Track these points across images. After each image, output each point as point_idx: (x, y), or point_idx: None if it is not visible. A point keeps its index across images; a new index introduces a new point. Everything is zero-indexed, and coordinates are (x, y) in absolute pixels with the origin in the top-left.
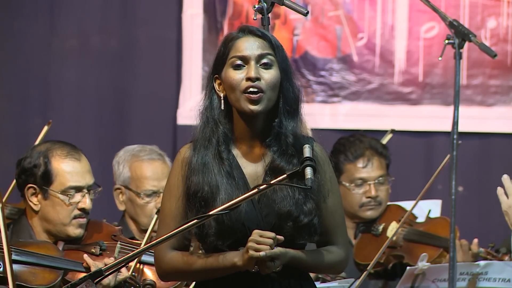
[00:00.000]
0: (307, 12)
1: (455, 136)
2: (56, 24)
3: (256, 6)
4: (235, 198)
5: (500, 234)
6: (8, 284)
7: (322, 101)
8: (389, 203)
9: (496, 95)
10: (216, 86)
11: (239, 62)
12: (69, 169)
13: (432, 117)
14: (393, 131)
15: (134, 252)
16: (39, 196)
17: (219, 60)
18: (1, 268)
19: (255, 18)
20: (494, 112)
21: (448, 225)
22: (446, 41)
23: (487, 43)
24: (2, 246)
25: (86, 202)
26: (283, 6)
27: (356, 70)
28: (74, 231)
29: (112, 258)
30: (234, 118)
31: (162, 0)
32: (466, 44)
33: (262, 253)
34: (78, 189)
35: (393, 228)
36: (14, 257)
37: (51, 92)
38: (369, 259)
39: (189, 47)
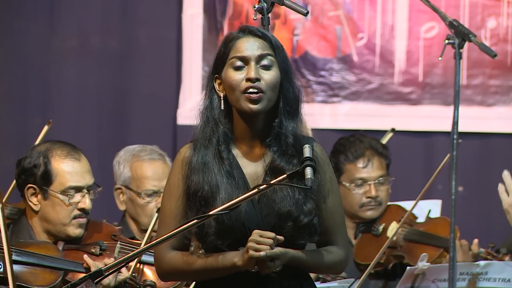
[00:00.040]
0: (307, 12)
1: (455, 136)
2: (56, 24)
3: (256, 6)
4: (235, 198)
5: (500, 234)
6: (8, 285)
7: (322, 101)
8: (389, 203)
9: (496, 95)
10: (216, 86)
11: (239, 62)
12: (69, 169)
13: (432, 117)
14: (393, 130)
15: (134, 252)
16: (39, 196)
17: (219, 60)
18: (1, 269)
19: (255, 18)
20: (494, 112)
21: (448, 225)
22: (446, 41)
23: (487, 43)
24: (2, 246)
25: (86, 202)
26: (283, 6)
27: (356, 70)
28: (74, 231)
29: (112, 258)
30: (234, 118)
31: (162, 0)
32: (466, 44)
33: (262, 253)
34: (78, 189)
35: (393, 228)
36: (14, 257)
37: (51, 92)
38: (369, 259)
39: (189, 47)
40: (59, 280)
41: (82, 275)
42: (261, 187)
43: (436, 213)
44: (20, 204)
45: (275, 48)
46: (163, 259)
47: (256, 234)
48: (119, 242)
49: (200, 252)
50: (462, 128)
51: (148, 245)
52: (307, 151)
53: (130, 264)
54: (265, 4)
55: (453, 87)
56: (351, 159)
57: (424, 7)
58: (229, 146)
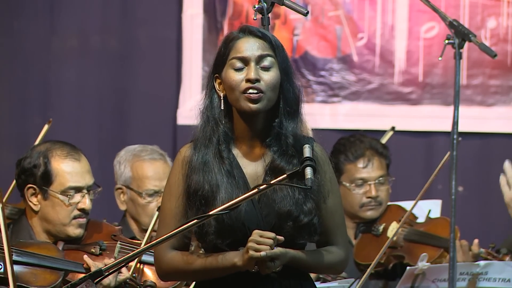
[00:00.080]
0: (307, 12)
1: (455, 136)
2: (56, 24)
3: (256, 6)
4: (235, 198)
5: (500, 234)
6: (9, 285)
7: (322, 101)
8: (389, 203)
9: (496, 95)
10: (216, 85)
11: (239, 63)
12: (69, 170)
13: (432, 117)
14: (393, 129)
15: (134, 252)
16: (39, 196)
17: (219, 60)
18: (2, 269)
19: (255, 18)
20: (494, 112)
21: (448, 225)
22: (446, 41)
23: (487, 43)
24: (3, 246)
25: (85, 202)
26: (283, 6)
27: (356, 70)
28: (74, 231)
29: (112, 258)
30: (234, 118)
31: (162, 0)
32: (466, 44)
33: (262, 253)
34: (78, 189)
35: (393, 228)
36: (15, 258)
37: (51, 92)
38: (369, 259)
39: (189, 47)
40: (60, 280)
41: (82, 275)
42: (261, 187)
43: (436, 213)
44: (20, 204)
45: (275, 48)
46: (163, 259)
47: (256, 234)
48: (119, 242)
49: (200, 252)
50: (462, 128)
51: (148, 245)
52: (307, 151)
53: (130, 264)
54: (265, 4)
55: (453, 87)
56: (351, 159)
57: (424, 7)
58: (229, 146)
